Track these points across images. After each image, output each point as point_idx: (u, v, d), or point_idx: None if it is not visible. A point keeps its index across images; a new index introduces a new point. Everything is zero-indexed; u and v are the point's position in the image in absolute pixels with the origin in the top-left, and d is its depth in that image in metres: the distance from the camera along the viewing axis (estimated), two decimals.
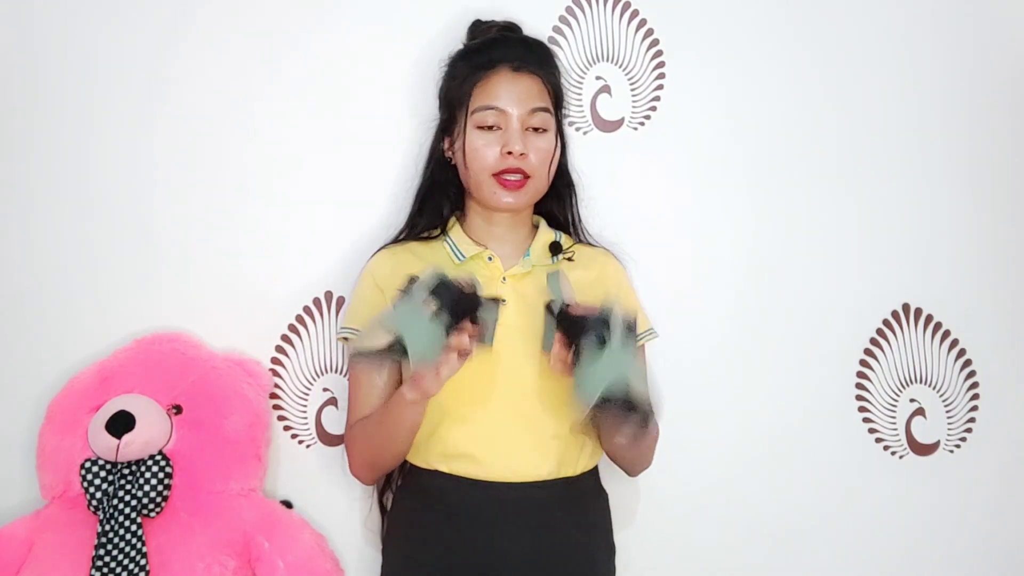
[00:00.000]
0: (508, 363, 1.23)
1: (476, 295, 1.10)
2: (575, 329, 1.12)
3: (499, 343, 1.19)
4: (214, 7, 1.45)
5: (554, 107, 1.30)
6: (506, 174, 1.25)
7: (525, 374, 1.24)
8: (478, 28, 1.37)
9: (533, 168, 1.26)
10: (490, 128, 1.26)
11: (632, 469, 1.34)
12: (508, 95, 1.25)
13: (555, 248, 1.33)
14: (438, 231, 1.35)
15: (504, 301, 1.18)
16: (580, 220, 1.42)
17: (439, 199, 1.36)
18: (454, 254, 1.31)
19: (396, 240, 1.36)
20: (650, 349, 1.39)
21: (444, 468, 1.23)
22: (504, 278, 1.29)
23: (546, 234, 1.35)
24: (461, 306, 1.08)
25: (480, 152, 1.25)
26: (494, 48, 1.29)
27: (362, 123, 1.47)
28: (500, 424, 1.23)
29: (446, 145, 1.33)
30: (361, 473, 1.30)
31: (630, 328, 1.12)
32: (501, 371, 1.23)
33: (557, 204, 1.40)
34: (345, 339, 1.33)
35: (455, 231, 1.34)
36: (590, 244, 1.42)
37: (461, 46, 1.37)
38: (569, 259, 1.34)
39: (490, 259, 1.30)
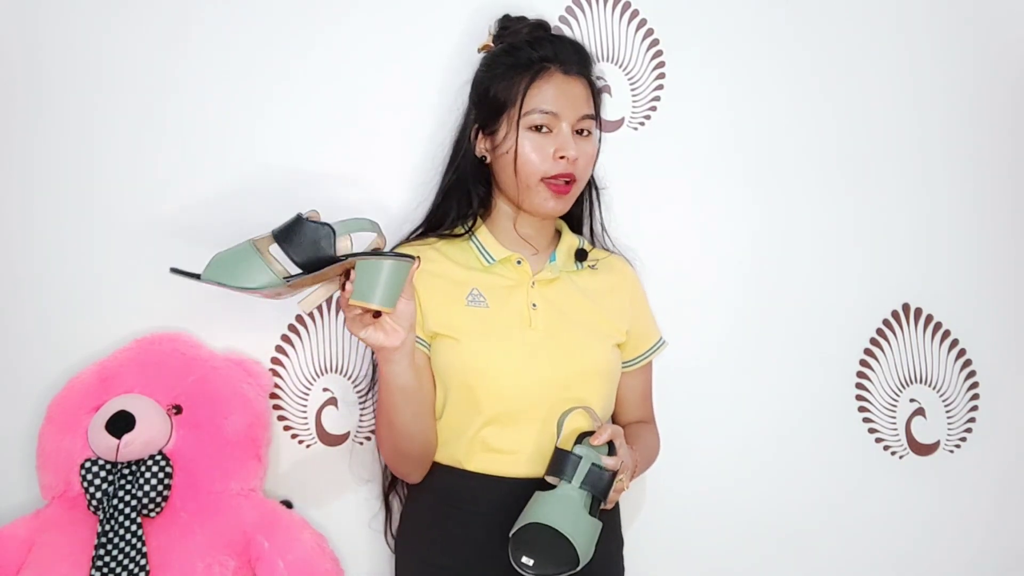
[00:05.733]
0: (539, 364, 1.22)
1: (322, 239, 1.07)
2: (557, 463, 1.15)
3: (526, 347, 1.21)
4: (222, 3, 1.44)
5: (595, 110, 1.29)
6: (557, 179, 1.23)
7: (554, 375, 1.22)
8: (508, 24, 1.32)
9: (580, 172, 1.24)
10: (538, 130, 1.23)
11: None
12: (562, 99, 1.23)
13: (580, 255, 1.31)
14: (463, 231, 1.31)
15: (415, 259, 1.08)
16: (603, 224, 1.42)
17: (466, 197, 1.32)
18: (483, 256, 1.28)
19: (418, 236, 1.34)
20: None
21: (470, 466, 1.22)
22: (533, 283, 1.27)
23: (570, 239, 1.34)
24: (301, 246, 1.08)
25: (532, 156, 1.22)
26: (544, 48, 1.25)
27: (376, 121, 1.46)
28: (533, 422, 1.22)
29: (483, 144, 1.29)
30: (393, 463, 1.26)
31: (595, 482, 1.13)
32: (531, 371, 1.22)
33: (580, 206, 1.40)
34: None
35: (482, 232, 1.31)
36: (606, 250, 1.42)
37: (490, 42, 1.33)
38: (592, 267, 1.33)
39: (519, 263, 1.28)
